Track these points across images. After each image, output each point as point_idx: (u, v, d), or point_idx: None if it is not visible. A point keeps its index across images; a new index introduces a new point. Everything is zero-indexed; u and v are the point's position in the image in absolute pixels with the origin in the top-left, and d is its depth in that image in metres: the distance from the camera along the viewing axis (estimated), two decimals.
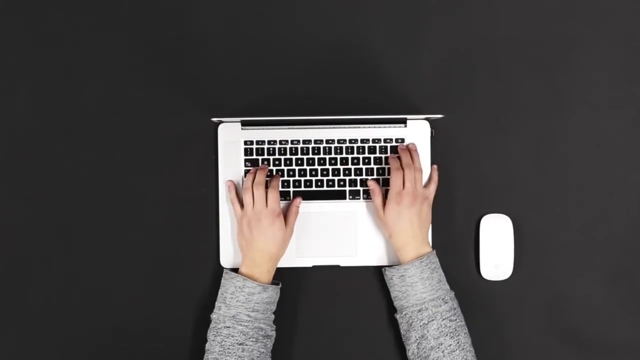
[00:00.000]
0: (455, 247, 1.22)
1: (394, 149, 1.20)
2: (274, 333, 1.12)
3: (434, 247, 1.19)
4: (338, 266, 1.20)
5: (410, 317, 1.10)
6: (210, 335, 1.10)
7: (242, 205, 1.15)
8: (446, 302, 1.09)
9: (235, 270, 1.15)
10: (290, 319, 1.20)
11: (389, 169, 1.18)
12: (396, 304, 1.13)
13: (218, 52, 1.22)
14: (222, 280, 1.13)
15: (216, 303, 1.12)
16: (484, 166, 1.22)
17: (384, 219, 1.14)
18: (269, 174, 1.18)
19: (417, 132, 1.20)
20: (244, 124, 1.19)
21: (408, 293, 1.11)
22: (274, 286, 1.12)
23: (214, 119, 1.16)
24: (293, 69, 1.22)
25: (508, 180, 1.22)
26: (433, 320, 1.08)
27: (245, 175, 1.20)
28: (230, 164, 1.20)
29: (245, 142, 1.20)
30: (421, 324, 1.09)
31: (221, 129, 1.20)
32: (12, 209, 1.21)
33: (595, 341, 1.21)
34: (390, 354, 1.20)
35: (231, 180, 1.18)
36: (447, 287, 1.12)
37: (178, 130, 1.21)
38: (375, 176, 1.19)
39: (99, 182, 1.21)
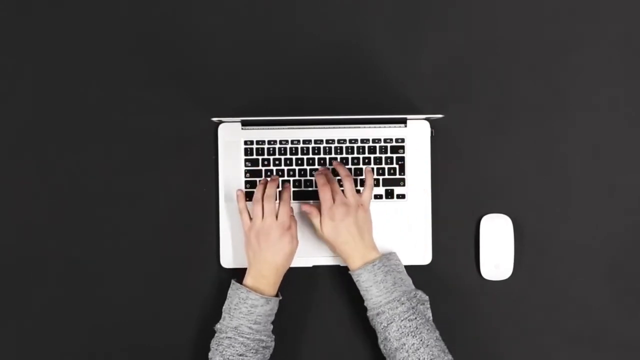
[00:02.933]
0: (455, 247, 1.22)
1: (394, 149, 1.20)
2: (273, 343, 1.12)
3: (434, 247, 1.20)
4: (338, 266, 1.20)
5: (372, 320, 1.11)
6: (213, 344, 1.10)
7: (250, 216, 1.14)
8: (402, 304, 1.08)
9: (241, 271, 1.15)
10: (290, 319, 1.20)
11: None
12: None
13: (218, 52, 1.22)
14: (229, 291, 1.12)
15: (222, 312, 1.12)
16: (484, 166, 1.22)
17: (324, 236, 1.13)
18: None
19: (417, 132, 1.20)
20: (244, 124, 1.19)
21: (366, 297, 1.11)
22: (275, 299, 1.12)
23: (214, 119, 1.15)
24: (293, 69, 1.22)
25: (508, 180, 1.22)
26: (392, 322, 1.08)
27: (245, 175, 1.20)
28: (230, 164, 1.20)
29: (245, 142, 1.20)
30: (381, 327, 1.09)
31: (221, 129, 1.20)
32: (12, 209, 1.21)
33: (595, 341, 1.21)
34: None
35: (241, 190, 1.17)
36: (406, 287, 1.10)
37: (178, 130, 1.21)
38: (311, 202, 1.18)
39: (99, 182, 1.21)
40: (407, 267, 1.17)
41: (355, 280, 1.12)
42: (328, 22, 1.22)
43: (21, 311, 1.21)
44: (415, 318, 1.08)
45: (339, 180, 1.16)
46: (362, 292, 1.12)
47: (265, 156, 1.20)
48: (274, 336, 1.12)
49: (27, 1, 1.22)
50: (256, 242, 1.11)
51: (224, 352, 1.08)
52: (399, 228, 1.20)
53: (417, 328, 1.07)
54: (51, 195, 1.21)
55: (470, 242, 1.22)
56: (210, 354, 1.10)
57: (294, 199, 1.19)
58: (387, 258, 1.12)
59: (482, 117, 1.22)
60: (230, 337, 1.08)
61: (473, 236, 1.22)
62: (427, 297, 1.11)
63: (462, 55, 1.22)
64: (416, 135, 1.20)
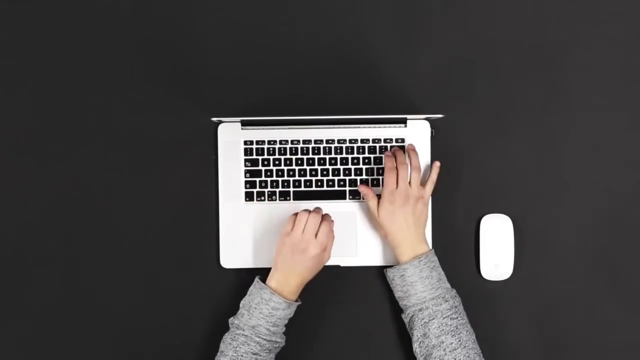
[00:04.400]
0: (455, 247, 1.22)
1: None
2: (284, 343, 1.13)
3: (434, 247, 1.19)
4: (338, 266, 1.20)
5: (412, 316, 1.11)
6: (227, 337, 1.10)
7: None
8: (447, 301, 1.09)
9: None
10: (291, 318, 1.19)
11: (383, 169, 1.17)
12: (400, 304, 1.14)
13: (218, 52, 1.22)
14: (251, 288, 1.12)
15: (240, 307, 1.11)
16: (484, 166, 1.22)
17: (379, 219, 1.14)
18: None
19: (417, 132, 1.20)
20: (244, 124, 1.19)
21: (409, 293, 1.11)
22: (296, 304, 1.12)
23: (214, 119, 1.15)
24: (293, 69, 1.22)
25: (508, 180, 1.22)
26: (434, 319, 1.08)
27: (245, 175, 1.20)
28: (230, 164, 1.20)
29: (245, 142, 1.20)
30: (422, 322, 1.09)
31: (221, 129, 1.20)
32: (12, 209, 1.21)
33: (595, 341, 1.21)
34: (390, 353, 1.20)
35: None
36: (448, 285, 1.12)
37: (178, 130, 1.21)
38: (364, 177, 1.19)
39: (98, 182, 1.21)
40: None
41: (399, 275, 1.12)
42: (328, 22, 1.22)
43: (20, 313, 1.21)
44: (457, 317, 1.09)
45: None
46: (403, 288, 1.11)
47: (265, 156, 1.20)
48: (285, 337, 1.12)
49: (27, 1, 1.22)
50: (290, 253, 1.11)
51: (238, 349, 1.08)
52: None
53: (457, 328, 1.08)
54: (51, 195, 1.21)
55: (470, 242, 1.22)
56: (222, 346, 1.10)
57: (294, 199, 1.20)
58: (433, 254, 1.13)
59: (482, 117, 1.22)
60: (247, 336, 1.08)
61: (473, 236, 1.22)
62: (459, 298, 1.12)
63: (462, 55, 1.22)
64: (416, 135, 1.20)
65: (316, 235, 1.11)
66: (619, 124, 1.22)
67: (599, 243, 1.22)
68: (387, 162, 1.14)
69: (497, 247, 1.20)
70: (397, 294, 1.14)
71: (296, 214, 1.12)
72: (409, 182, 1.14)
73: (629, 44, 1.22)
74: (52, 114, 1.21)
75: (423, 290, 1.10)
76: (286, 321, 1.12)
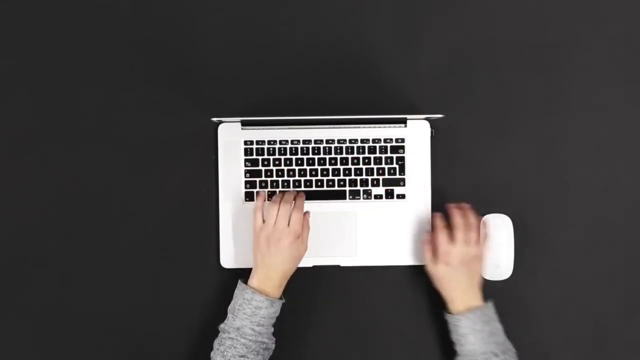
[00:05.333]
0: None
1: (394, 149, 1.20)
2: (273, 345, 1.12)
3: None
4: (338, 266, 1.20)
5: None
6: (215, 343, 1.10)
7: (263, 217, 1.14)
8: (497, 356, 1.09)
9: (246, 270, 1.15)
10: (290, 319, 1.19)
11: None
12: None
13: (218, 52, 1.22)
14: (235, 291, 1.12)
15: (227, 311, 1.12)
16: (484, 166, 1.22)
17: (434, 274, 1.15)
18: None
19: (417, 132, 1.20)
20: (244, 124, 1.19)
21: (461, 342, 1.12)
22: (279, 301, 1.12)
23: (214, 119, 1.16)
24: (293, 69, 1.22)
25: (508, 180, 1.22)
26: None
27: (245, 175, 1.20)
28: (230, 164, 1.20)
29: (245, 142, 1.20)
30: None
31: (221, 129, 1.20)
32: (12, 209, 1.21)
33: (595, 342, 1.21)
34: (390, 354, 1.20)
35: (263, 191, 1.17)
36: (501, 339, 1.12)
37: (178, 130, 1.21)
38: (429, 230, 1.17)
39: (98, 182, 1.21)
40: (407, 267, 1.17)
41: (452, 324, 1.13)
42: (328, 22, 1.22)
43: (20, 313, 1.21)
44: None
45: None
46: (455, 337, 1.12)
47: (265, 156, 1.20)
48: (274, 338, 1.12)
49: (27, 1, 1.22)
50: (266, 245, 1.11)
51: (225, 353, 1.08)
52: (399, 228, 1.20)
53: None
54: (51, 196, 1.21)
55: None
56: (212, 353, 1.10)
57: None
58: (488, 307, 1.13)
59: (482, 117, 1.22)
60: (233, 338, 1.08)
61: None
62: (514, 350, 1.12)
63: (462, 55, 1.22)
64: (416, 135, 1.20)
65: (289, 223, 1.11)
66: (619, 124, 1.22)
67: (599, 243, 1.22)
68: (438, 223, 1.15)
69: (497, 247, 1.20)
70: (452, 339, 1.14)
71: (260, 206, 1.14)
72: (469, 241, 1.13)
73: (629, 44, 1.22)
74: (52, 114, 1.21)
75: (474, 343, 1.10)
76: (272, 321, 1.11)
